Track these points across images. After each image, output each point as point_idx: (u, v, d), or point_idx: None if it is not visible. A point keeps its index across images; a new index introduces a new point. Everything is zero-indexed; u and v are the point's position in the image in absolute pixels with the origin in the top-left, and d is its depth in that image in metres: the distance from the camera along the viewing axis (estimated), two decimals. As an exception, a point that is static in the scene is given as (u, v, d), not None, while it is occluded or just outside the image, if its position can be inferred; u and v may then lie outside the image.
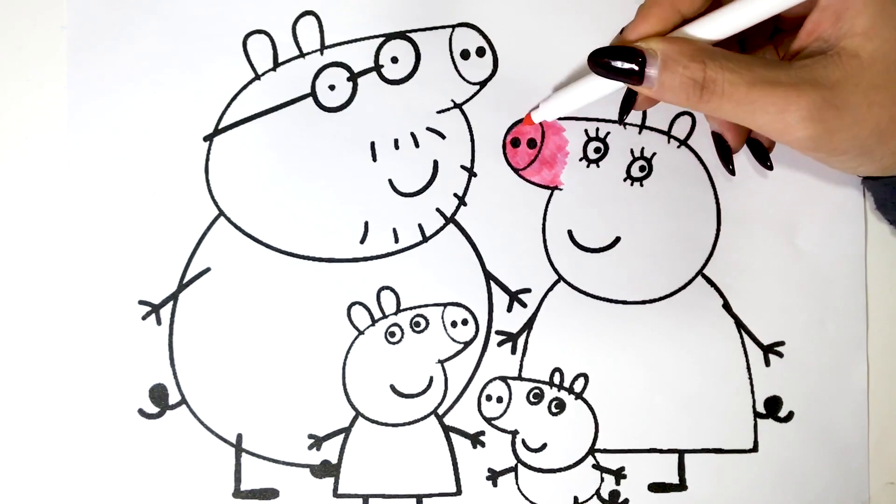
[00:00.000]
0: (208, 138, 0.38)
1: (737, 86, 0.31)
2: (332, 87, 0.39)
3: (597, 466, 0.39)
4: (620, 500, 0.39)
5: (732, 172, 0.37)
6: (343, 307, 0.39)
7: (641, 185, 0.40)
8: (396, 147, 0.39)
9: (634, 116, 0.40)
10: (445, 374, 0.39)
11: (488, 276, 0.39)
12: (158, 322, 0.38)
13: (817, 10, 0.32)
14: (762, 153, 0.36)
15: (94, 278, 0.38)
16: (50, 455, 0.38)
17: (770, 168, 0.36)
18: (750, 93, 0.30)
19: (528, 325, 0.39)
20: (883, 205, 0.38)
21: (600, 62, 0.32)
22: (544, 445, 0.39)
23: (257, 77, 0.38)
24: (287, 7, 0.38)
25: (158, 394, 0.38)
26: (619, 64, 0.32)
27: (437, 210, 0.39)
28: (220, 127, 0.38)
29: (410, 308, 0.39)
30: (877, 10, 0.30)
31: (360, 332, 0.39)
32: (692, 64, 0.31)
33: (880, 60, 0.31)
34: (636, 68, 0.32)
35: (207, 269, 0.38)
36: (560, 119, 0.39)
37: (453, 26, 0.39)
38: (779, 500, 0.40)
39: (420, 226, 0.39)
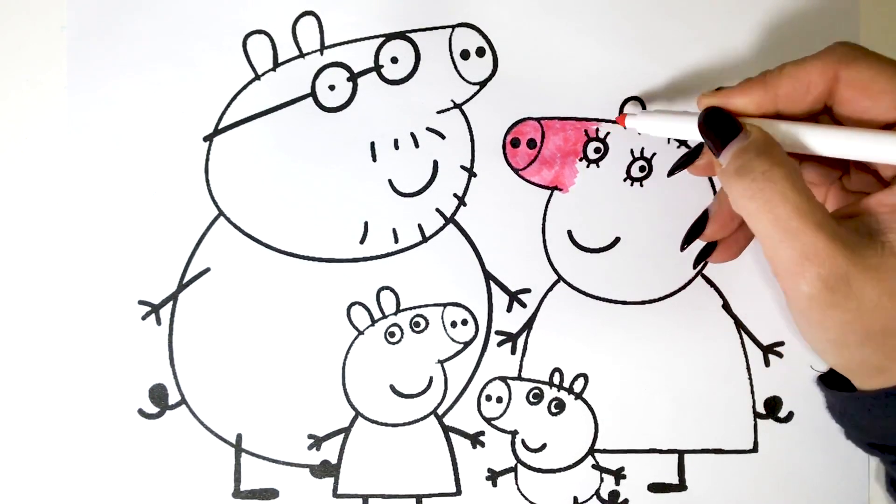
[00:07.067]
0: (208, 138, 0.38)
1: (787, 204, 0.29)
2: (332, 87, 0.39)
3: (596, 466, 0.39)
4: (620, 500, 0.39)
5: (669, 175, 0.37)
6: (343, 307, 0.39)
7: (641, 185, 0.40)
8: (396, 147, 0.39)
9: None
10: (445, 374, 0.39)
11: (488, 277, 0.39)
12: (158, 322, 0.38)
13: (889, 192, 0.31)
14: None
15: (94, 278, 0.38)
16: (50, 455, 0.38)
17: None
18: (791, 220, 0.29)
19: (528, 325, 0.39)
20: (832, 407, 0.38)
21: (709, 122, 0.32)
22: (544, 445, 0.39)
23: (257, 77, 0.38)
24: (287, 7, 0.38)
25: (158, 394, 0.38)
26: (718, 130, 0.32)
27: (437, 210, 0.39)
28: (220, 127, 0.38)
29: (410, 308, 0.39)
30: None
31: (360, 333, 0.39)
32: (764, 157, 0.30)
33: None
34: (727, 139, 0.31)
35: (207, 270, 0.38)
36: (561, 119, 0.39)
37: (453, 26, 0.39)
38: (779, 500, 0.40)
39: (420, 226, 0.39)
